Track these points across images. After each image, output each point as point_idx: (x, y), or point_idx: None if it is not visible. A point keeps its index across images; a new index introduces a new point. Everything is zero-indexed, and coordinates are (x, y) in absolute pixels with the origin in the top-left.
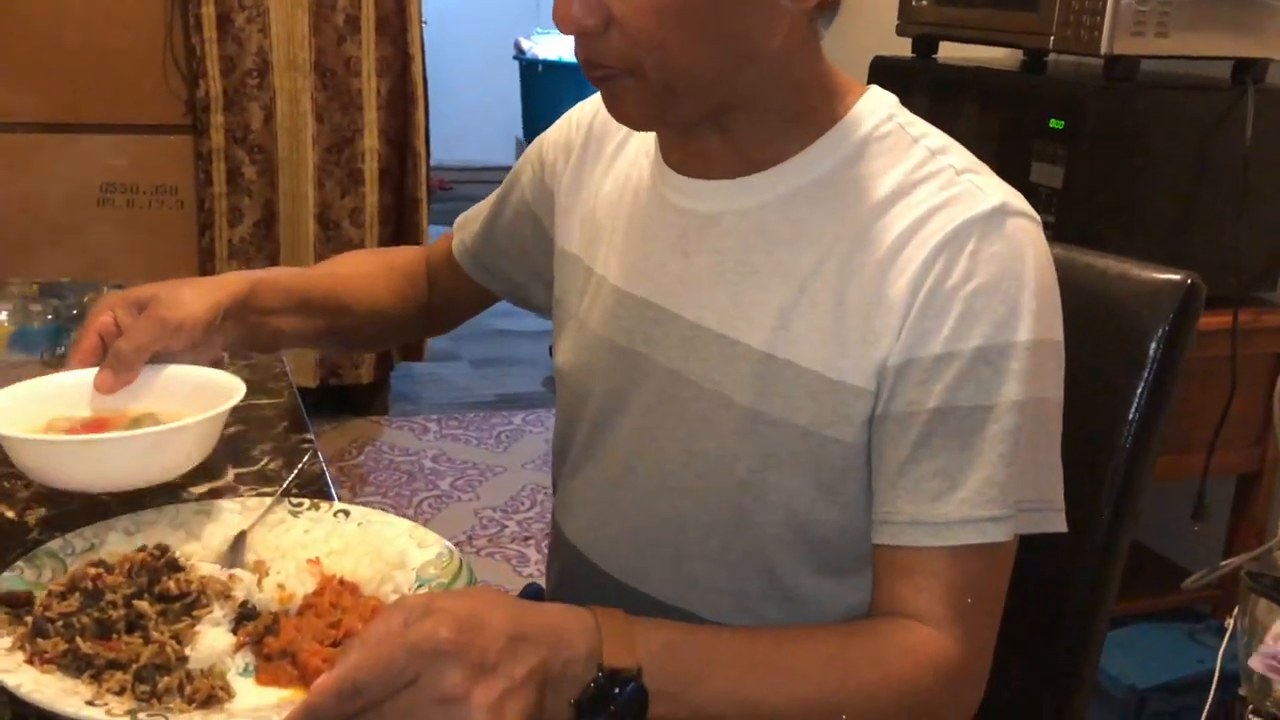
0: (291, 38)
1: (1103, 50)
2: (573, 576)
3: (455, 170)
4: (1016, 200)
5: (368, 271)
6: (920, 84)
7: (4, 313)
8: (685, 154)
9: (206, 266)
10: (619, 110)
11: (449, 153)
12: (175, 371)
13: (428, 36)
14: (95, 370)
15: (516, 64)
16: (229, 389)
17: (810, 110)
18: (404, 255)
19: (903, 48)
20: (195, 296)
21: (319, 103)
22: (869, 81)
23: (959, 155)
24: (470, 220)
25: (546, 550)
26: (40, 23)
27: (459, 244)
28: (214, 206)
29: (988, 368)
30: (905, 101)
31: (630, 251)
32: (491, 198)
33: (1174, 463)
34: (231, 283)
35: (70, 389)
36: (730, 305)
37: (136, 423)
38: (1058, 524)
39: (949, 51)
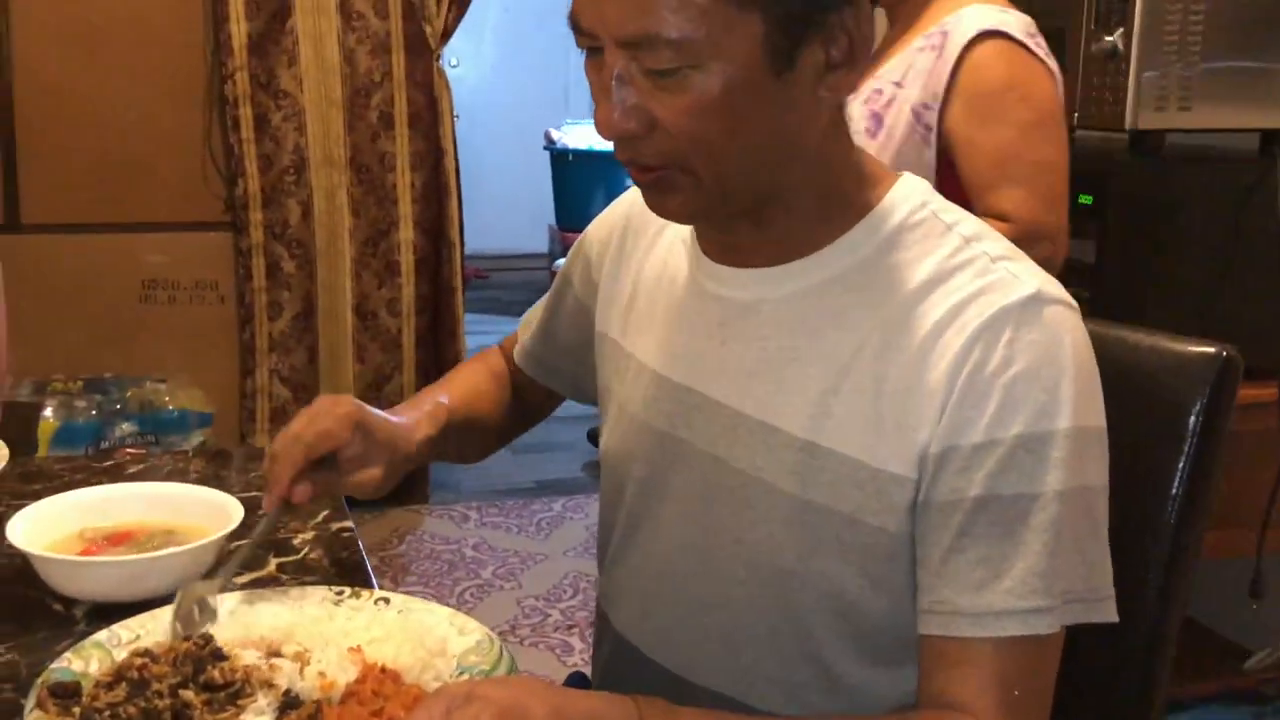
0: (327, 135)
1: (1127, 125)
2: (620, 665)
3: (490, 259)
4: (1052, 287)
5: (485, 387)
6: None
7: (49, 409)
8: (722, 245)
9: (248, 361)
10: (663, 207)
11: (483, 242)
12: (198, 491)
13: (460, 130)
14: (123, 485)
15: (547, 154)
16: (229, 515)
17: (843, 197)
18: (498, 361)
19: None
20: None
21: (355, 197)
22: None
23: (993, 242)
24: (527, 325)
25: (591, 638)
26: (83, 126)
27: (519, 351)
28: (254, 301)
29: (1029, 456)
30: None
31: (669, 337)
32: (545, 300)
33: (1228, 539)
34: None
35: (101, 502)
36: (772, 392)
37: (152, 536)
38: (1107, 613)
39: None
